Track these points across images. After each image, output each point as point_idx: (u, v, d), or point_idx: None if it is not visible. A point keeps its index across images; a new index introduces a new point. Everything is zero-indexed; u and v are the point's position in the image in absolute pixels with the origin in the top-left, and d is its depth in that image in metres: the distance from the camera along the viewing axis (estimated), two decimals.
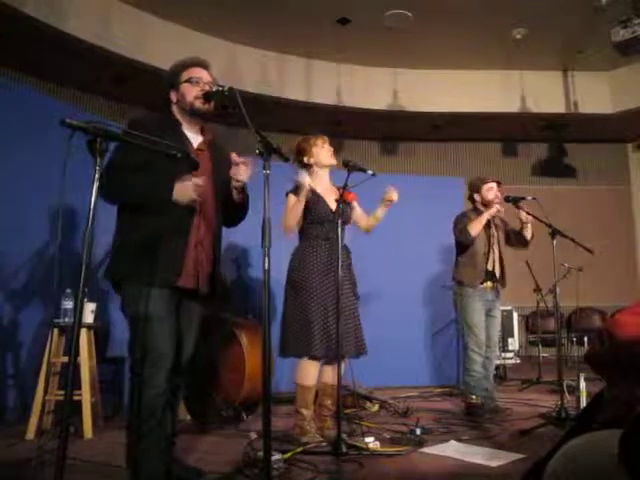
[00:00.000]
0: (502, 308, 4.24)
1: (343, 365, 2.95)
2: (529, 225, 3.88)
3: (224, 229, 2.41)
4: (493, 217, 3.93)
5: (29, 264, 3.70)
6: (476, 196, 3.98)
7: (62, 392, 3.17)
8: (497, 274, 3.92)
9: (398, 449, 2.80)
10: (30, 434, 3.12)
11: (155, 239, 2.09)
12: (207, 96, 2.18)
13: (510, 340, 5.89)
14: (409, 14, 5.97)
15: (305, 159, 3.18)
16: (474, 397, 3.75)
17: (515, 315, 6.02)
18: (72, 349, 1.50)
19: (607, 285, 7.72)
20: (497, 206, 3.81)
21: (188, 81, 2.24)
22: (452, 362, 5.32)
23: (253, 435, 3.04)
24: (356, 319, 3.12)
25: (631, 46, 5.26)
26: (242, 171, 2.17)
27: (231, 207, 2.31)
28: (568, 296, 5.10)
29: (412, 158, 8.30)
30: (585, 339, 6.86)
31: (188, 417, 3.63)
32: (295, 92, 6.93)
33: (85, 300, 3.11)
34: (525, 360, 6.65)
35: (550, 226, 3.68)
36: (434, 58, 6.98)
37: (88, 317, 3.38)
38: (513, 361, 5.92)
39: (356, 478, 2.40)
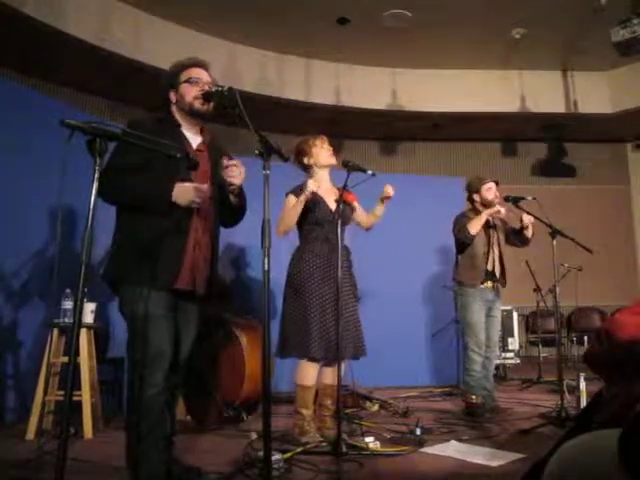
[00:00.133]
0: (502, 308, 4.24)
1: (343, 366, 2.95)
2: (530, 225, 3.89)
3: (223, 229, 2.41)
4: (492, 217, 3.93)
5: (29, 264, 3.70)
6: (475, 196, 3.98)
7: (62, 392, 3.16)
8: (497, 274, 3.92)
9: (398, 449, 2.80)
10: (30, 434, 3.12)
11: (153, 241, 2.09)
12: (206, 96, 2.18)
13: (510, 340, 5.90)
14: (408, 14, 5.97)
15: (305, 160, 3.18)
16: (474, 397, 3.75)
17: (515, 315, 6.03)
18: (72, 349, 1.50)
19: (607, 285, 7.72)
20: (498, 207, 3.81)
21: (187, 81, 2.24)
22: (452, 362, 5.32)
23: (253, 435, 3.04)
24: (356, 321, 3.11)
25: (631, 46, 5.26)
26: (235, 174, 2.17)
27: (229, 209, 2.31)
28: (568, 296, 5.11)
29: (411, 158, 8.31)
30: (585, 339, 6.88)
31: (188, 417, 3.63)
32: (294, 92, 6.94)
33: (85, 300, 3.11)
34: (525, 360, 6.66)
35: (550, 226, 3.68)
36: (433, 58, 6.99)
37: (88, 317, 3.38)
38: (513, 361, 5.93)
39: (356, 478, 2.40)
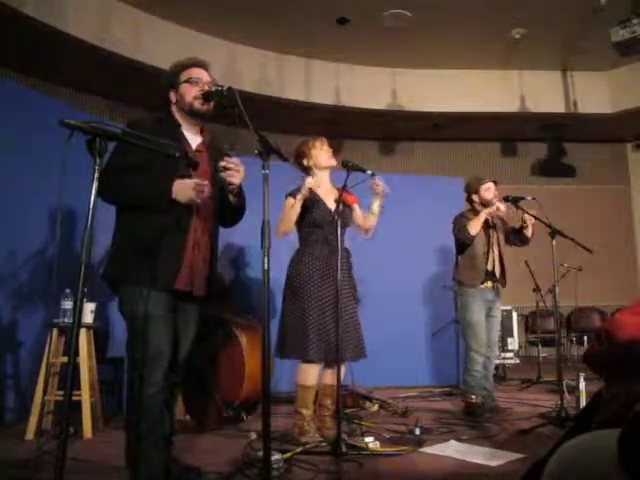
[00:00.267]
0: (502, 308, 4.23)
1: (343, 368, 2.95)
2: (530, 225, 3.89)
3: (223, 229, 2.41)
4: (492, 217, 3.93)
5: (29, 264, 3.70)
6: (474, 197, 3.97)
7: (61, 392, 3.16)
8: (497, 274, 3.92)
9: (397, 449, 2.80)
10: (30, 434, 3.12)
11: (153, 240, 2.09)
12: (206, 96, 2.18)
13: (510, 340, 5.90)
14: (408, 14, 5.97)
15: (304, 162, 3.18)
16: (474, 397, 3.75)
17: (515, 315, 6.03)
18: (71, 349, 1.50)
19: (606, 285, 7.72)
20: (498, 204, 3.80)
21: (187, 81, 2.24)
22: (452, 362, 5.32)
23: (253, 435, 3.05)
24: (355, 323, 3.11)
25: (631, 46, 5.26)
26: (234, 174, 2.17)
27: (228, 209, 2.31)
28: (567, 296, 5.11)
29: (411, 158, 8.31)
30: (585, 339, 6.88)
31: (187, 417, 3.63)
32: (294, 92, 6.94)
33: (84, 300, 3.11)
34: (525, 360, 6.66)
35: (550, 226, 3.68)
36: (433, 58, 6.99)
37: (87, 317, 3.37)
38: (513, 361, 5.93)
39: (356, 478, 2.40)
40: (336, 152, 3.31)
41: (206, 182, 2.09)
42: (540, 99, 7.31)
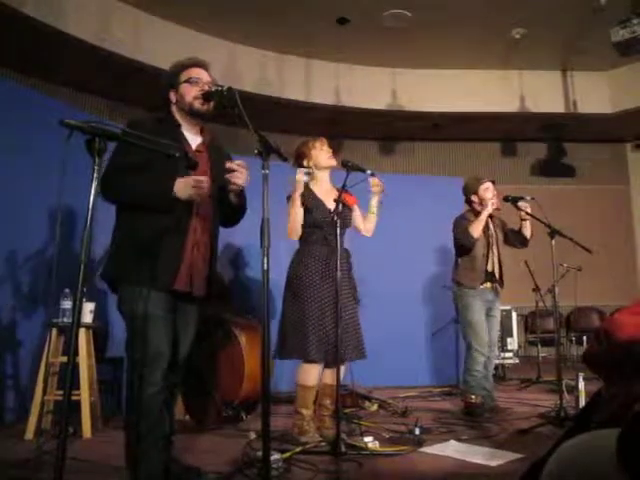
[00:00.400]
0: (501, 308, 4.23)
1: (343, 368, 2.95)
2: (528, 223, 3.88)
3: (222, 229, 2.41)
4: (492, 217, 3.93)
5: (28, 264, 3.70)
6: (473, 197, 3.96)
7: (61, 392, 3.16)
8: (497, 275, 3.92)
9: (397, 449, 2.80)
10: (29, 434, 3.12)
11: (153, 241, 2.09)
12: (206, 96, 2.18)
13: (509, 340, 5.90)
14: (408, 14, 5.98)
15: (305, 162, 3.18)
16: (474, 397, 3.75)
17: (514, 315, 6.03)
18: (71, 349, 1.50)
19: (606, 285, 7.73)
20: (492, 200, 3.79)
21: (187, 81, 2.24)
22: (452, 362, 5.32)
23: (252, 435, 3.05)
24: (355, 323, 3.11)
25: (631, 46, 5.26)
26: (239, 175, 2.17)
27: (229, 208, 2.31)
28: (567, 296, 5.10)
29: (411, 158, 8.31)
30: (584, 339, 6.87)
31: (187, 417, 3.63)
32: (294, 92, 6.93)
33: (84, 300, 3.11)
34: (524, 360, 6.66)
35: (549, 226, 3.68)
36: (433, 58, 6.99)
37: (87, 317, 3.38)
38: (512, 361, 5.93)
39: (355, 478, 2.40)
40: (336, 152, 3.31)
41: (205, 178, 2.09)
42: (540, 99, 7.31)
